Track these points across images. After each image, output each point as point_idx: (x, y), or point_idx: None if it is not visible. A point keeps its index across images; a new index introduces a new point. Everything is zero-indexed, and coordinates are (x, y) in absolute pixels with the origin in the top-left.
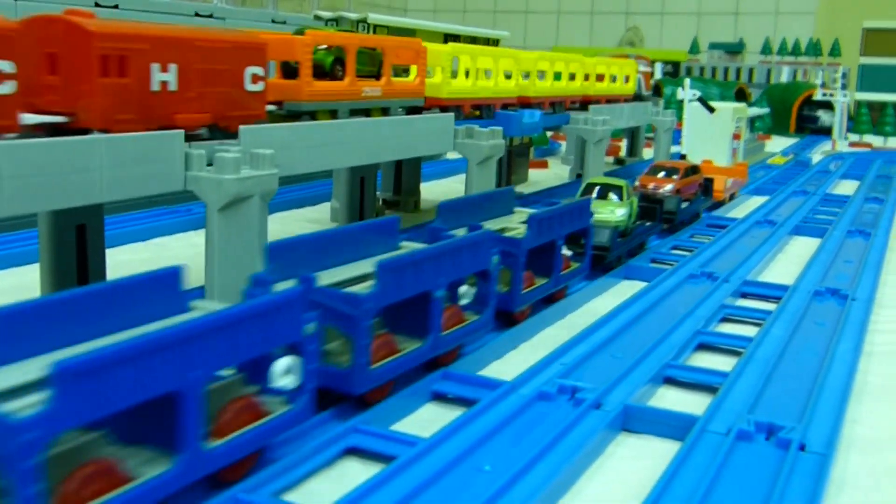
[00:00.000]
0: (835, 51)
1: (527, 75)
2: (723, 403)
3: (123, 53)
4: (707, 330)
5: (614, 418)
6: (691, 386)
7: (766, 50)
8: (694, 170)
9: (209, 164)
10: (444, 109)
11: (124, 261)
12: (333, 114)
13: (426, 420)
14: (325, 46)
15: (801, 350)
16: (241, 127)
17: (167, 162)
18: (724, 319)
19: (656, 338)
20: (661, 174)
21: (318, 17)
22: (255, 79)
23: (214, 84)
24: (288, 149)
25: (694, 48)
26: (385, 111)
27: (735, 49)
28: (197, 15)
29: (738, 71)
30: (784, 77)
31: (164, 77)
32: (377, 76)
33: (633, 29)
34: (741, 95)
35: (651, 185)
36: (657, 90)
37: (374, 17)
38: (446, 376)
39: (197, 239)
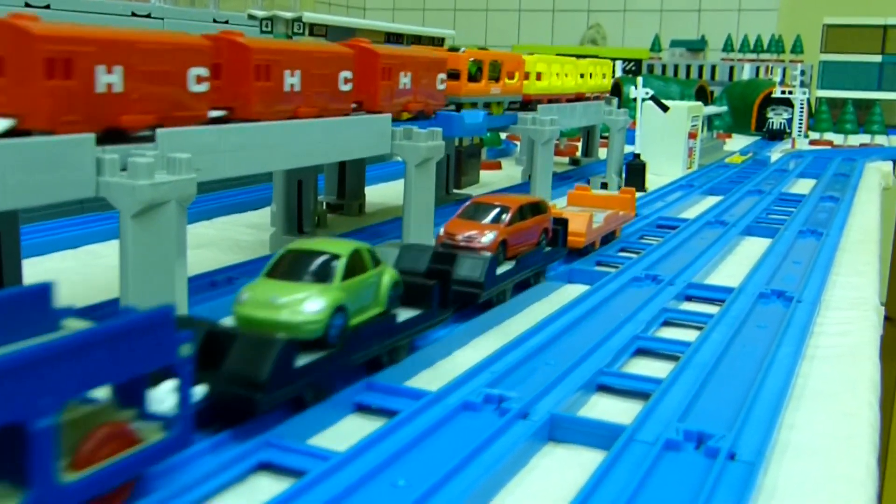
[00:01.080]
0: (797, 47)
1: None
2: (653, 411)
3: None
4: (646, 335)
5: (540, 428)
6: (625, 393)
7: (727, 47)
8: (535, 208)
9: (123, 170)
10: (528, 102)
11: (52, 269)
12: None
13: (346, 433)
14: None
15: (740, 355)
16: (158, 130)
17: (78, 167)
18: (665, 323)
19: (592, 343)
20: (485, 216)
21: (251, 17)
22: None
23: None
24: (210, 152)
25: (655, 46)
26: (499, 105)
27: (697, 46)
28: (134, 15)
29: (699, 69)
30: (745, 74)
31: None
32: (497, 79)
33: (595, 27)
34: (702, 94)
35: (461, 235)
36: (616, 89)
37: (310, 16)
38: (370, 387)
39: None
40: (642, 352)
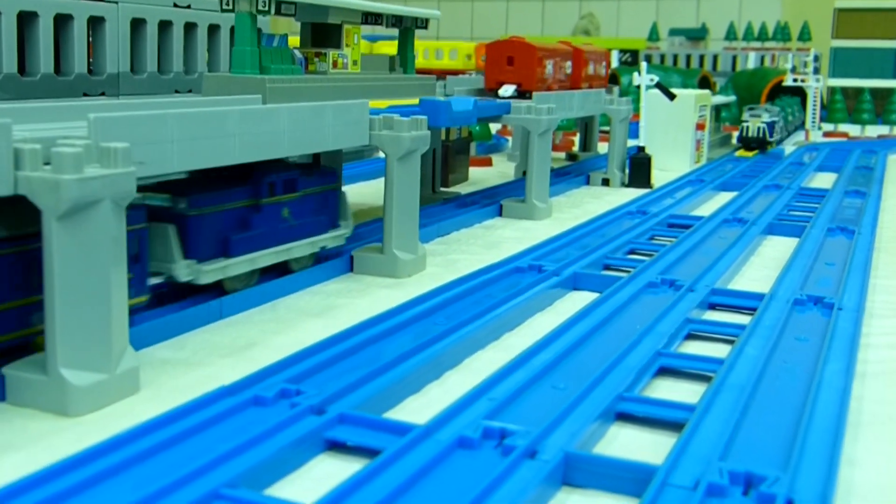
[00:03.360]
0: (804, 34)
1: None
2: (688, 447)
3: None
4: (669, 351)
5: (552, 470)
6: (650, 423)
7: (730, 35)
8: None
9: (46, 163)
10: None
11: None
12: None
13: (316, 478)
14: None
15: (781, 373)
16: (90, 115)
17: None
18: (690, 336)
19: (608, 362)
20: None
21: None
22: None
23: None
24: (155, 142)
25: (653, 35)
26: None
27: (697, 35)
28: None
29: (700, 58)
30: (751, 63)
31: None
32: None
33: (588, 16)
34: (705, 84)
35: None
36: (613, 80)
37: None
38: (343, 419)
39: None
40: (666, 371)
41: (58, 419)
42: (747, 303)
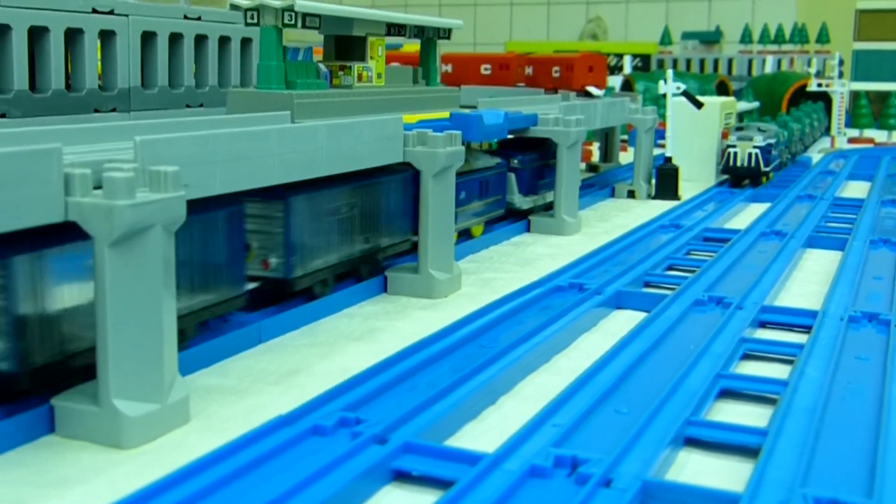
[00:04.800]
0: (823, 37)
1: None
2: (765, 473)
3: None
4: (728, 372)
5: (631, 499)
6: (719, 448)
7: (745, 38)
8: None
9: (97, 188)
10: None
11: None
12: None
13: None
14: None
15: (847, 394)
16: (137, 138)
17: (42, 185)
18: (745, 356)
19: (668, 385)
20: None
21: (234, 7)
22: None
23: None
24: (199, 164)
25: (665, 39)
26: None
27: (711, 38)
28: (95, 11)
29: (715, 62)
30: (769, 67)
31: None
32: None
33: (596, 20)
34: (722, 89)
35: None
36: (628, 86)
37: (303, 5)
38: (408, 449)
39: None
40: (728, 393)
41: (111, 452)
42: (799, 320)
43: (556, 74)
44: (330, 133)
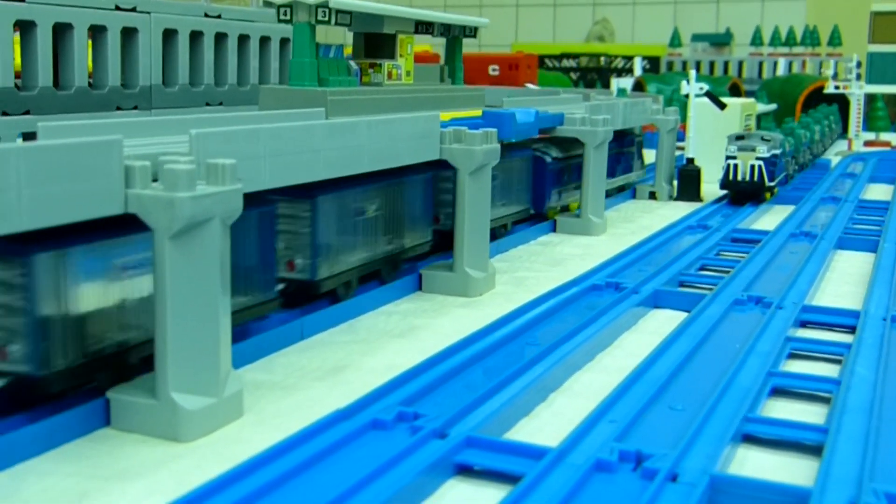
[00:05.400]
0: (834, 39)
1: None
2: (831, 468)
3: None
4: (779, 370)
5: (701, 496)
6: (777, 444)
7: (756, 40)
8: None
9: (155, 180)
10: None
11: None
12: None
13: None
14: None
15: None
16: (192, 131)
17: (103, 177)
18: (792, 355)
19: (720, 383)
20: None
21: (268, 3)
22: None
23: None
24: (249, 158)
25: (675, 40)
26: None
27: (722, 40)
28: (118, 9)
29: (725, 65)
30: (780, 70)
31: None
32: None
33: (602, 22)
34: (735, 92)
35: None
36: (639, 88)
37: (337, 2)
38: (470, 443)
39: None
40: (780, 391)
41: (169, 445)
42: (841, 320)
43: (495, 73)
44: (370, 130)
